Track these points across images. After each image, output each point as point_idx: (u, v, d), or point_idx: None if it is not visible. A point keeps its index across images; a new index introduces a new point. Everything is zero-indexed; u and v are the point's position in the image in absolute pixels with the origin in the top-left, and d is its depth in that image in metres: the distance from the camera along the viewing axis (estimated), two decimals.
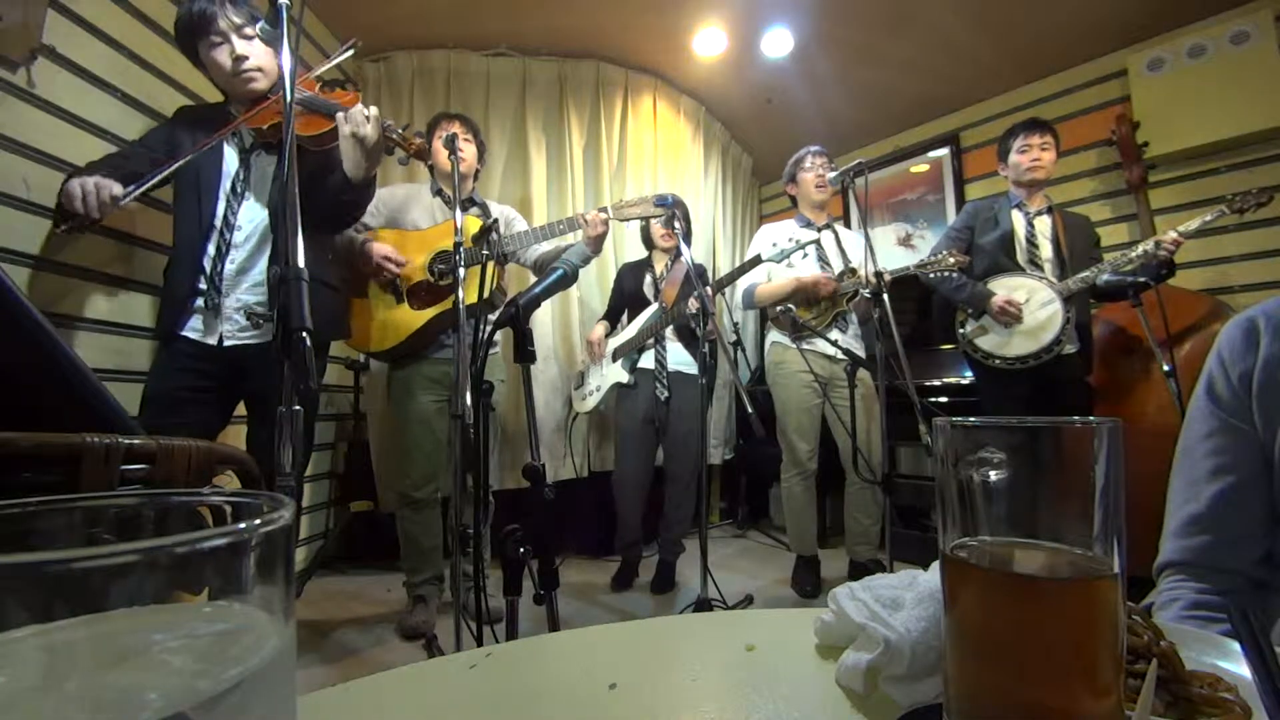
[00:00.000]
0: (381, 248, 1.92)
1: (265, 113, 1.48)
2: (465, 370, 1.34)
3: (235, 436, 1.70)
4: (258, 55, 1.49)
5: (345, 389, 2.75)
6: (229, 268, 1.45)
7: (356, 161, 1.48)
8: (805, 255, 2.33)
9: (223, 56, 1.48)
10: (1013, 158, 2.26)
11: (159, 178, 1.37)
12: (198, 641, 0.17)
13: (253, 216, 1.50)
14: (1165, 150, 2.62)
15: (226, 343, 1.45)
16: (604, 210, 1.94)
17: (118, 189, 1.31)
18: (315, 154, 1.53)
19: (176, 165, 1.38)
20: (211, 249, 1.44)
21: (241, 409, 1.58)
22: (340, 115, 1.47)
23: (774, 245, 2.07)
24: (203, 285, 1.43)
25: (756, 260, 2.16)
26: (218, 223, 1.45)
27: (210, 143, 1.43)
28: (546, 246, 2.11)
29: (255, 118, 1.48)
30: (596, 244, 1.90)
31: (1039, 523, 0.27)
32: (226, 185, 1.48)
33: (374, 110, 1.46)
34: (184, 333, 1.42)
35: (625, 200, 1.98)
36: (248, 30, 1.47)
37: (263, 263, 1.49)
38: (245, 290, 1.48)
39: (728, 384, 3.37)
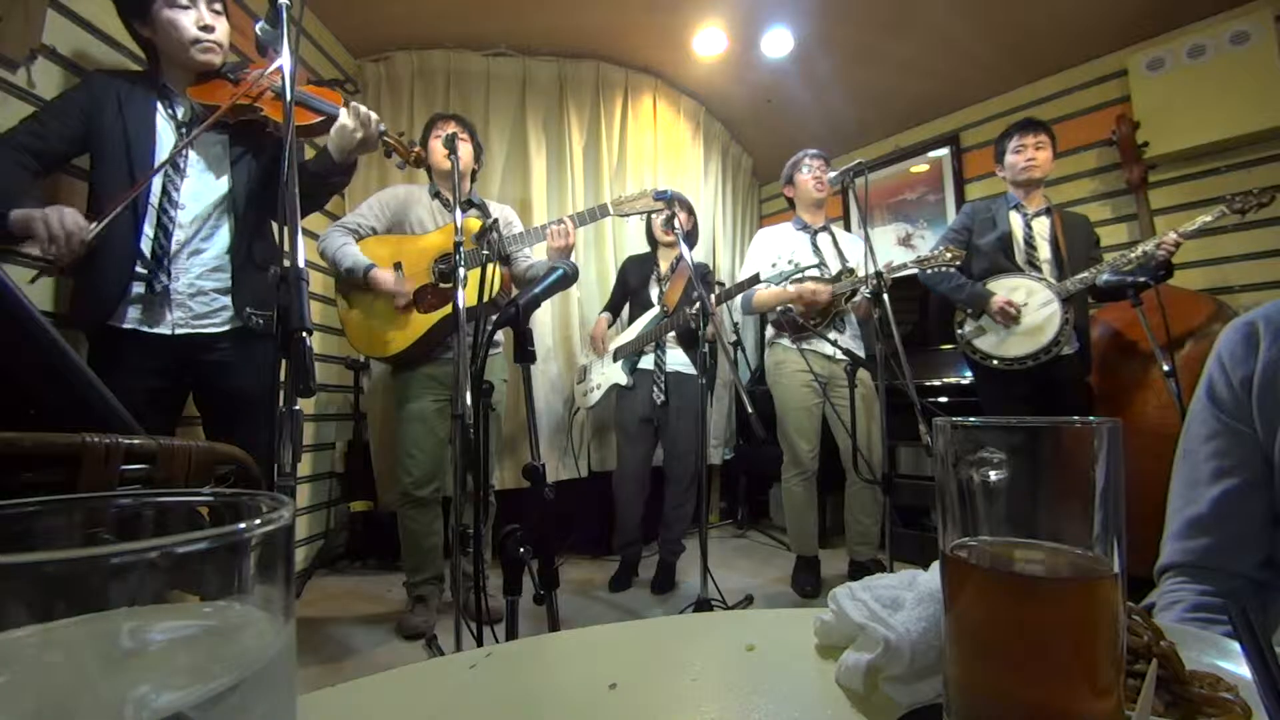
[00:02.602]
0: (386, 277, 1.88)
1: (224, 94, 1.42)
2: (465, 370, 1.34)
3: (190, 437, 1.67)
4: (222, 31, 1.48)
5: (345, 389, 2.75)
6: (174, 248, 1.38)
7: (344, 150, 1.52)
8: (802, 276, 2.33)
9: (186, 20, 1.41)
10: (1008, 158, 2.27)
11: (125, 203, 1.26)
12: (198, 641, 0.17)
13: (199, 194, 1.43)
14: (1165, 150, 2.62)
15: (179, 331, 1.37)
16: (569, 219, 1.92)
17: (86, 233, 1.22)
18: (279, 140, 1.49)
19: (145, 183, 1.31)
20: (149, 230, 1.35)
21: (192, 409, 1.51)
22: (346, 108, 1.50)
23: (773, 266, 2.07)
24: (141, 269, 1.34)
25: (755, 279, 2.17)
26: (154, 200, 1.37)
27: (186, 140, 1.38)
28: (535, 260, 2.09)
29: (210, 94, 1.44)
30: (560, 255, 1.88)
31: (1039, 523, 0.27)
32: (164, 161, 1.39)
33: (374, 115, 1.53)
34: (123, 325, 1.32)
35: (625, 196, 1.97)
36: (217, 5, 1.46)
37: (217, 243, 1.44)
38: (199, 275, 1.40)
39: (728, 384, 3.36)
